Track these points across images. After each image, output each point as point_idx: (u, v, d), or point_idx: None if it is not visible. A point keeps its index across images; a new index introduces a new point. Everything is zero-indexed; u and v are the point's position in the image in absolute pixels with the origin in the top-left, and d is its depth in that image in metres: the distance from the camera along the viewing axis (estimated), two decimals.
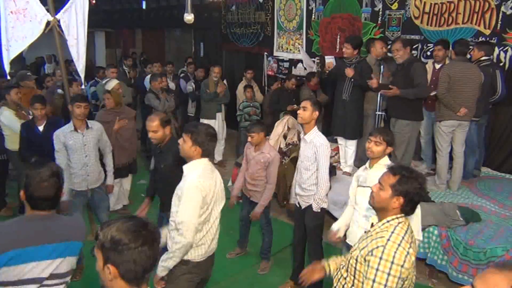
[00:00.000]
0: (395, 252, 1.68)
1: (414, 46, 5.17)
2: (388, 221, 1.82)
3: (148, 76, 6.50)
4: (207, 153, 2.38)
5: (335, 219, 4.32)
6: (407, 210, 1.82)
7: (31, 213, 1.84)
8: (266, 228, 3.88)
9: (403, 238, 1.73)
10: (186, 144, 2.33)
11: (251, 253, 4.14)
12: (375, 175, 2.33)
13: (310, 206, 3.24)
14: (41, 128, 4.01)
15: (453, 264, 3.50)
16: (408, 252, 1.69)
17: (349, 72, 4.46)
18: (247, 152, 3.78)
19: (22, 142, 4.07)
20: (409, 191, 1.78)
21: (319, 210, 3.22)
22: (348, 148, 4.90)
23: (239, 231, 4.15)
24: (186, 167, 2.37)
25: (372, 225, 1.94)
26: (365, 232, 1.95)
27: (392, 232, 1.75)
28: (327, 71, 4.79)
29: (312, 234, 3.34)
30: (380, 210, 1.87)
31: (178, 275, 2.40)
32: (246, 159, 3.81)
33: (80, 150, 3.54)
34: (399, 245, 1.70)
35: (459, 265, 3.47)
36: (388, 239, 1.72)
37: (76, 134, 3.52)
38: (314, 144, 3.12)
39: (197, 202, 2.25)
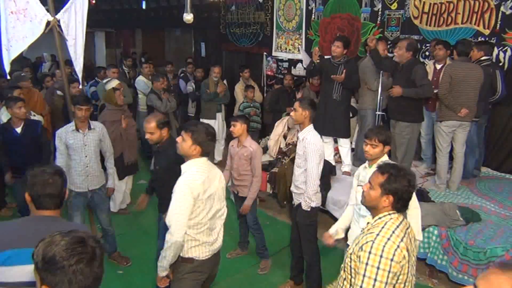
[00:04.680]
0: (384, 246, 1.68)
1: None
2: (380, 218, 1.85)
3: (139, 78, 6.50)
4: (206, 153, 2.39)
5: (335, 219, 4.32)
6: (398, 207, 1.84)
7: (36, 214, 1.81)
8: (254, 227, 3.88)
9: (393, 232, 1.74)
10: (185, 143, 2.32)
11: (251, 253, 4.14)
12: None
13: (299, 205, 3.25)
14: (19, 130, 3.97)
15: (453, 264, 3.51)
16: (398, 246, 1.69)
17: (339, 78, 4.51)
18: (230, 149, 3.82)
19: None
20: (398, 189, 1.80)
21: (308, 209, 3.20)
22: (342, 147, 4.91)
23: (239, 232, 4.16)
24: (183, 166, 2.37)
25: (367, 224, 1.96)
26: (361, 231, 1.97)
27: (383, 227, 1.77)
28: (316, 61, 4.83)
29: (304, 233, 3.33)
30: (372, 209, 1.90)
31: (183, 274, 2.40)
32: (230, 156, 3.85)
33: (80, 150, 3.53)
34: (388, 239, 1.71)
35: (459, 265, 3.47)
36: (378, 234, 1.74)
37: (77, 133, 3.52)
38: (305, 142, 3.13)
39: (187, 201, 2.23)
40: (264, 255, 3.95)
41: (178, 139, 2.37)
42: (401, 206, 1.84)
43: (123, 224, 4.43)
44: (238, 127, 3.62)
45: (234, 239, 4.23)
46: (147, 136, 3.08)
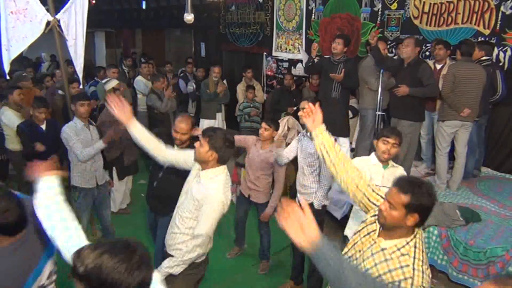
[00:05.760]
0: (422, 281, 1.68)
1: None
2: (407, 243, 1.76)
3: (138, 78, 6.49)
4: (223, 160, 2.34)
5: (335, 219, 4.32)
6: (421, 223, 1.77)
7: None
8: (264, 229, 3.87)
9: (422, 262, 1.72)
10: (202, 148, 2.27)
11: (251, 253, 4.14)
12: (389, 178, 2.47)
13: (311, 204, 3.24)
14: (43, 127, 4.07)
15: (453, 264, 3.51)
16: (428, 275, 1.71)
17: (338, 77, 4.52)
18: (253, 149, 3.73)
19: (26, 139, 3.99)
20: (424, 205, 1.72)
21: (320, 208, 3.23)
22: (342, 146, 4.88)
23: (236, 231, 4.15)
24: (205, 174, 2.32)
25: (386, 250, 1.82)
26: (370, 238, 1.87)
27: (414, 258, 1.72)
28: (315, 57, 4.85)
29: None
30: (392, 229, 1.79)
31: (178, 275, 2.40)
32: (248, 156, 3.79)
33: (89, 146, 3.60)
34: (423, 272, 1.70)
35: (459, 265, 3.47)
36: (414, 268, 1.69)
37: (86, 130, 3.62)
38: None
39: (219, 216, 2.29)
40: (266, 257, 3.95)
41: (197, 144, 2.32)
42: (424, 221, 1.77)
43: (123, 224, 4.43)
44: (270, 132, 3.59)
45: (233, 239, 4.22)
46: (178, 136, 2.99)
